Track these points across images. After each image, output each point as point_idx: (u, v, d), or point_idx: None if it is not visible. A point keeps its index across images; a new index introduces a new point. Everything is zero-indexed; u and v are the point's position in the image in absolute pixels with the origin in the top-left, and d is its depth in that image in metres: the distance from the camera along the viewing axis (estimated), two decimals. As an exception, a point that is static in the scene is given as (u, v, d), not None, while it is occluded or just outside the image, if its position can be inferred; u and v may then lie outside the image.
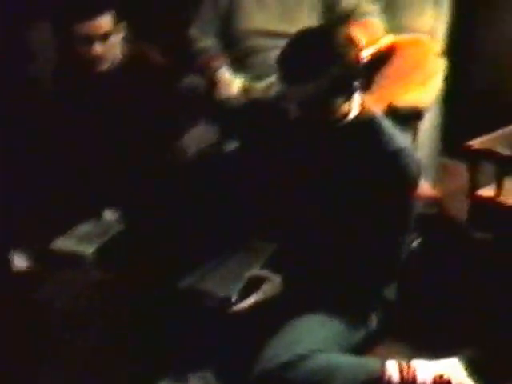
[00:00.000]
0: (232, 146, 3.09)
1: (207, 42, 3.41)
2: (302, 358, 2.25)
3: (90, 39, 3.01)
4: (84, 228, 3.11)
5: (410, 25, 3.38)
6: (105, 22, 3.03)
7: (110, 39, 3.05)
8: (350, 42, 2.39)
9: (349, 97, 2.37)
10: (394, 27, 3.28)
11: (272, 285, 2.36)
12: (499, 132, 2.94)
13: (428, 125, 3.28)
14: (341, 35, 2.40)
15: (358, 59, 2.42)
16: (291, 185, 2.51)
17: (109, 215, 3.15)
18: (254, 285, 2.38)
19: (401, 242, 2.41)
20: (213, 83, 3.29)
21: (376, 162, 2.35)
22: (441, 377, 2.28)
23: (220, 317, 2.37)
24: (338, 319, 2.38)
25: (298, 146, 2.49)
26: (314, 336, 2.33)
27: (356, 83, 2.35)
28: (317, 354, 2.28)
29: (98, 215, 3.14)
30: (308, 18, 3.33)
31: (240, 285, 2.39)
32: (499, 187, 2.78)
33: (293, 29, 3.22)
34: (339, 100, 2.34)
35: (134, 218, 3.09)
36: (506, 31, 3.57)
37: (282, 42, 3.22)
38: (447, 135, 3.58)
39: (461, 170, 3.43)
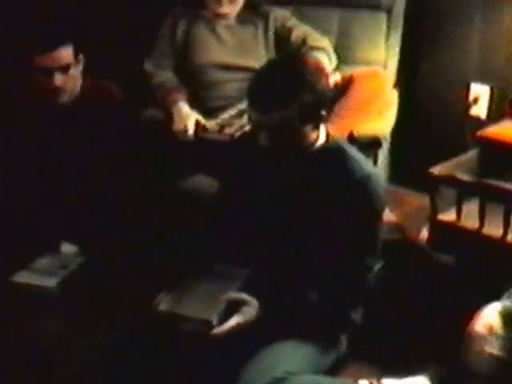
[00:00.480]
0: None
1: (164, 76, 3.44)
2: (279, 380, 2.27)
3: (50, 71, 3.01)
4: (44, 261, 3.09)
5: (365, 58, 3.46)
6: (65, 53, 3.04)
7: (70, 71, 3.06)
8: (318, 70, 2.45)
9: (317, 124, 2.42)
10: (349, 60, 3.36)
11: (251, 308, 2.38)
12: (457, 159, 3.03)
13: (380, 153, 3.35)
14: (309, 64, 2.47)
15: (325, 87, 2.48)
16: (263, 212, 2.54)
17: (67, 248, 3.14)
18: (232, 308, 2.39)
19: (369, 266, 2.45)
20: (170, 117, 3.31)
21: (344, 188, 2.41)
22: None
23: (198, 340, 2.37)
24: (310, 343, 2.42)
25: (267, 174, 2.53)
26: (289, 359, 2.35)
27: (324, 111, 2.41)
28: (293, 377, 2.30)
29: (55, 248, 3.13)
30: (263, 52, 3.40)
31: (220, 308, 2.40)
32: (459, 211, 2.85)
33: (249, 62, 3.34)
34: (308, 127, 2.39)
35: (95, 251, 3.09)
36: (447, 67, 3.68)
37: (239, 75, 3.35)
38: (395, 163, 3.67)
39: (407, 197, 3.53)
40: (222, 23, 3.44)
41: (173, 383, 2.40)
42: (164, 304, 2.45)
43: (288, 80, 2.35)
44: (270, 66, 2.49)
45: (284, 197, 2.49)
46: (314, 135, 2.43)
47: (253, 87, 2.40)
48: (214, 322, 2.36)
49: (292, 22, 3.43)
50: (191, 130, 3.23)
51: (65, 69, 3.04)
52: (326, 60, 3.32)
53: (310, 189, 2.45)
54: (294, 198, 2.47)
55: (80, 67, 3.12)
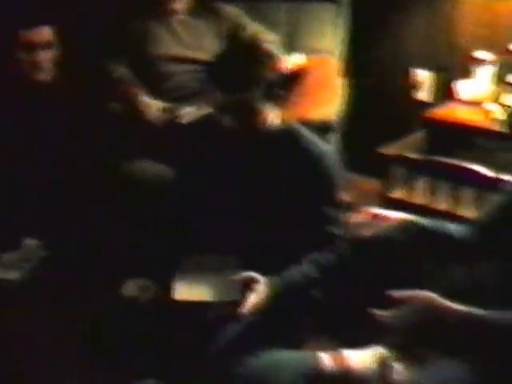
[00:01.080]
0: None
1: (120, 71, 3.48)
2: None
3: (34, 46, 3.15)
4: (7, 256, 3.13)
5: (313, 46, 3.54)
6: (48, 31, 3.20)
7: (51, 49, 3.19)
8: (269, 53, 2.55)
9: (275, 104, 2.52)
10: (299, 49, 3.44)
11: (263, 285, 2.39)
12: (405, 139, 3.15)
13: (331, 138, 3.43)
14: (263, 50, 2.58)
15: (279, 69, 2.58)
16: (227, 196, 2.62)
17: (30, 242, 3.16)
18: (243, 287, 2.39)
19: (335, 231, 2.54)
20: (135, 109, 3.36)
21: (303, 166, 2.51)
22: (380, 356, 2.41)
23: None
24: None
25: (227, 157, 2.60)
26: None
27: (281, 91, 2.50)
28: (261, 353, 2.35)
29: (18, 243, 3.15)
30: (215, 46, 3.47)
31: (238, 287, 2.37)
32: (409, 188, 2.96)
33: (201, 55, 3.41)
34: (268, 107, 2.49)
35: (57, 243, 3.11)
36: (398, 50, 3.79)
37: (192, 67, 3.41)
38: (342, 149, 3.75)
39: (356, 182, 3.62)
40: (176, 18, 3.50)
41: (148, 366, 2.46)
42: (179, 293, 2.46)
43: (250, 62, 2.46)
44: (231, 53, 2.60)
45: (245, 178, 2.57)
46: (271, 116, 2.53)
47: (219, 71, 2.51)
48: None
49: (243, 19, 3.50)
50: (159, 116, 3.29)
51: (47, 45, 3.18)
52: (277, 51, 3.40)
53: (269, 169, 2.55)
54: (256, 179, 2.56)
55: (55, 50, 3.23)
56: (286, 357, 2.45)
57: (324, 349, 2.46)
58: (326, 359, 2.42)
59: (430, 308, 1.99)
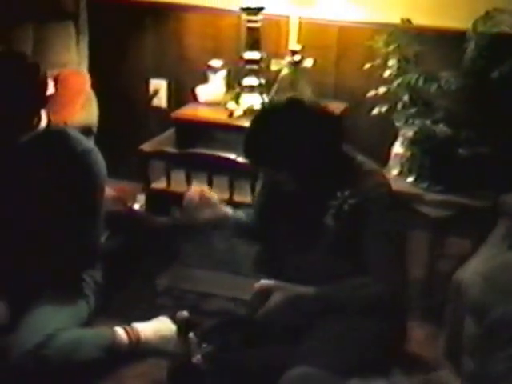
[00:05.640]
0: None
1: None
2: (51, 336, 2.37)
3: None
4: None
5: (59, 61, 3.59)
6: None
7: None
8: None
9: (39, 109, 2.51)
10: (47, 64, 3.45)
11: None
12: (159, 137, 3.31)
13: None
14: None
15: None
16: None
17: None
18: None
19: (94, 233, 2.59)
20: None
21: (68, 162, 2.49)
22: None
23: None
24: (67, 302, 2.51)
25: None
26: (56, 318, 2.45)
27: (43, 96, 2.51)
28: (63, 331, 2.41)
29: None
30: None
31: None
32: (169, 179, 3.11)
33: None
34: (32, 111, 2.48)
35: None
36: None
37: None
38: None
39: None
40: None
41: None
42: None
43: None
44: None
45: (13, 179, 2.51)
46: (36, 119, 2.50)
47: None
48: None
49: None
50: None
51: None
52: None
53: (35, 169, 2.50)
54: (23, 178, 2.50)
55: None
56: (84, 333, 2.52)
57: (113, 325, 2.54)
58: (121, 333, 2.52)
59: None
